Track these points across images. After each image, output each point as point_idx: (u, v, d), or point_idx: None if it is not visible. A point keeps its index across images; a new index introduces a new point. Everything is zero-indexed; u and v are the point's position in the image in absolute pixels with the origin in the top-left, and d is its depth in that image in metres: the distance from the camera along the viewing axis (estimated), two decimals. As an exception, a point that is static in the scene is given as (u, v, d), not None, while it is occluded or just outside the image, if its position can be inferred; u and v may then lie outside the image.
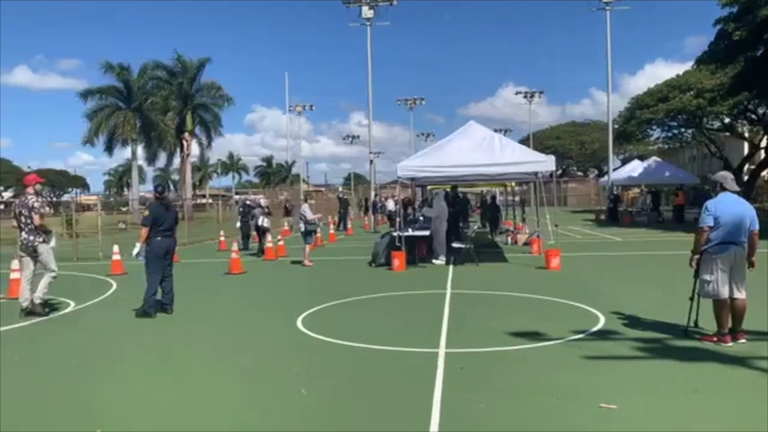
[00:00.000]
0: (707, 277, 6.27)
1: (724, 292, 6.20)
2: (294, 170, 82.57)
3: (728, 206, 6.22)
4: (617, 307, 8.15)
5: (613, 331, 6.96)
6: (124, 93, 42.17)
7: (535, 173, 15.35)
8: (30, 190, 8.91)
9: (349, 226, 27.62)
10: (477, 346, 6.47)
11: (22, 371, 6.09)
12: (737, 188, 6.44)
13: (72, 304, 9.79)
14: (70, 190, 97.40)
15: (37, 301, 8.83)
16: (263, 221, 16.98)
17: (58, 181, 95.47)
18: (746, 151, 44.00)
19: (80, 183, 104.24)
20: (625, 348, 6.24)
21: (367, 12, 31.07)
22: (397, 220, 13.77)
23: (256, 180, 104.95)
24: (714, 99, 31.96)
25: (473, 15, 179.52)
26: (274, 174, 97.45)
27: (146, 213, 9.10)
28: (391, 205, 23.18)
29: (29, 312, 8.74)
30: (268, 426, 4.46)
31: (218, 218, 34.81)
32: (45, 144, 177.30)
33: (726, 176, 6.46)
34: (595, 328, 7.16)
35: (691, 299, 6.63)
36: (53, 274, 8.93)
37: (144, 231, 8.86)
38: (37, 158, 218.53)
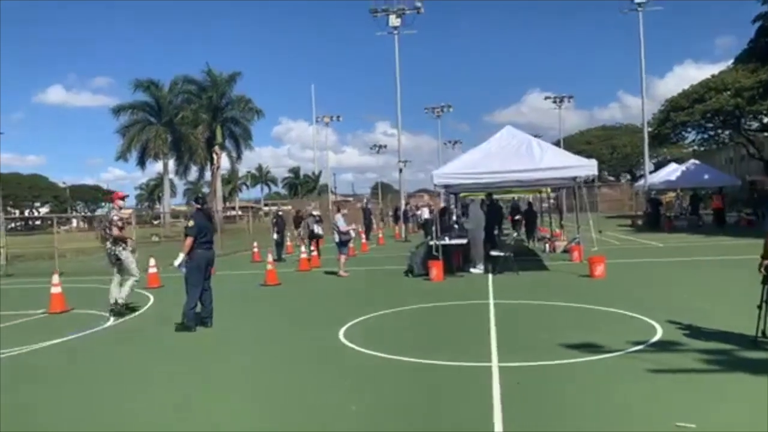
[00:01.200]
0: (778, 284, 5.89)
1: (797, 300, 5.81)
2: (321, 180, 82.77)
3: (800, 208, 5.83)
4: (673, 317, 7.75)
5: (674, 342, 6.59)
6: (155, 108, 42.83)
7: (574, 178, 14.99)
8: (114, 204, 10.28)
9: (371, 236, 27.33)
10: (531, 359, 6.16)
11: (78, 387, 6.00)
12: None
13: (112, 318, 9.74)
14: (103, 204, 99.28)
15: (121, 302, 9.88)
16: (318, 229, 17.34)
17: (93, 196, 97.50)
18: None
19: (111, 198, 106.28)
20: (690, 360, 5.87)
21: (394, 21, 30.98)
22: (434, 228, 13.46)
23: (284, 191, 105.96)
24: (753, 98, 31.00)
25: (496, 21, 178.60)
26: (301, 185, 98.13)
27: (190, 223, 8.95)
28: (426, 213, 22.84)
29: (117, 312, 9.79)
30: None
31: (249, 229, 35.01)
32: (78, 160, 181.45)
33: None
34: (653, 339, 6.80)
35: (759, 307, 6.25)
36: (135, 278, 10.00)
37: (189, 241, 8.73)
38: (71, 174, 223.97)
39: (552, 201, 26.24)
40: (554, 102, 55.86)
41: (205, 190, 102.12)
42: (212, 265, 9.10)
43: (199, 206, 9.45)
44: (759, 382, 5.17)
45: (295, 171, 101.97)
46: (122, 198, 10.48)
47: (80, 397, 5.68)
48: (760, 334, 6.28)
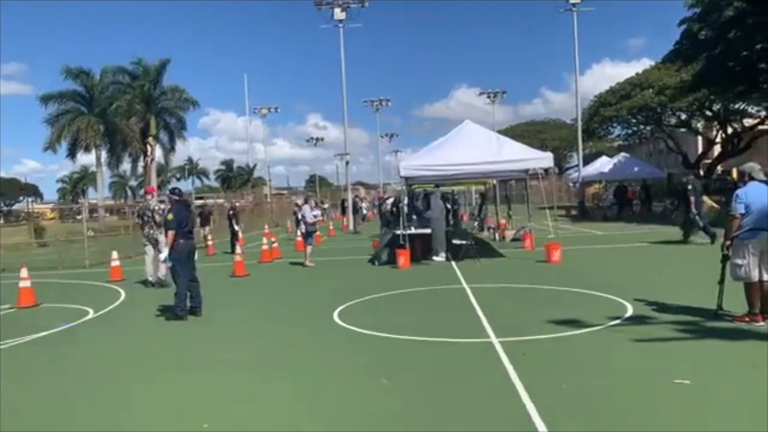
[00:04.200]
0: (739, 261, 6.70)
1: (755, 276, 6.64)
2: (256, 173, 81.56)
3: (757, 195, 6.66)
4: (638, 295, 8.50)
5: (647, 317, 7.34)
6: (86, 98, 41.04)
7: (526, 170, 15.85)
8: (149, 197, 12.61)
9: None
10: (524, 334, 6.72)
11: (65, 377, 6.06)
12: (765, 178, 6.88)
13: (90, 311, 9.63)
14: (21, 198, 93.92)
15: (162, 276, 11.64)
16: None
17: (9, 189, 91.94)
18: (700, 145, 45.96)
19: (32, 191, 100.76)
20: (666, 331, 6.60)
21: (339, 14, 31.11)
22: (401, 218, 13.93)
23: (216, 184, 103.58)
24: (675, 96, 33.26)
25: (425, 18, 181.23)
26: (235, 178, 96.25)
27: (170, 217, 9.01)
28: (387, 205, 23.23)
29: (161, 285, 11.49)
30: (367, 413, 4.60)
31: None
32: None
33: (754, 167, 6.90)
34: (627, 315, 7.52)
35: (720, 283, 7.06)
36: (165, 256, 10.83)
37: (171, 234, 8.81)
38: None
39: (488, 194, 27.29)
40: (488, 97, 57.53)
41: (132, 183, 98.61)
42: (194, 255, 9.18)
43: (176, 198, 9.50)
44: (731, 346, 5.96)
45: (228, 163, 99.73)
46: (153, 192, 13.25)
47: (88, 389, 5.77)
48: (718, 308, 7.10)
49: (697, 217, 15.12)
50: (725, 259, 6.97)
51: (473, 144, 13.73)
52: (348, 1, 30.83)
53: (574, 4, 30.15)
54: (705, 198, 15.75)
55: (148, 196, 12.64)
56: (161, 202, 12.24)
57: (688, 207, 15.23)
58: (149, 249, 12.07)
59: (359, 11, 31.40)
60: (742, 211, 6.64)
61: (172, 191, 10.01)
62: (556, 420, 4.23)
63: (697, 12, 23.80)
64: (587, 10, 30.76)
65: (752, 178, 6.78)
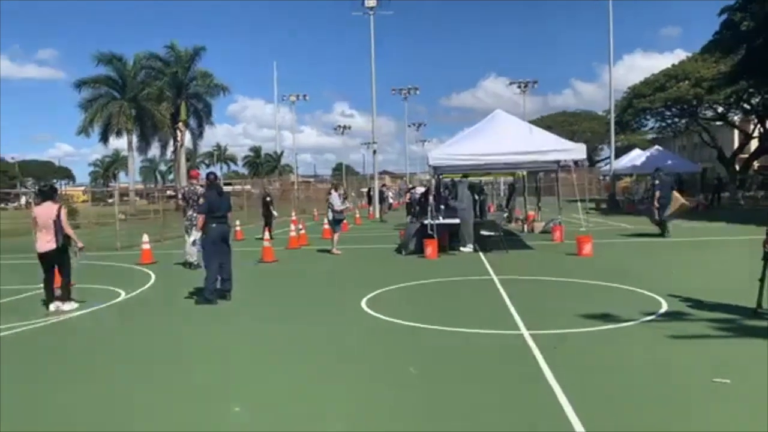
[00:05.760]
0: (782, 259, 6.48)
1: (798, 274, 6.42)
2: (283, 161, 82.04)
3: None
4: (671, 291, 8.32)
5: (682, 313, 7.16)
6: (118, 83, 41.63)
7: (558, 162, 15.60)
8: (194, 181, 12.89)
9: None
10: (556, 327, 6.61)
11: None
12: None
13: (122, 293, 9.78)
14: (55, 181, 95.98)
15: (193, 260, 12.00)
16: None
17: (43, 172, 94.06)
18: (736, 140, 44.81)
19: (65, 174, 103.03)
20: (702, 328, 6.43)
21: (370, 1, 30.95)
22: (429, 208, 13.84)
23: (244, 171, 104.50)
24: (712, 88, 32.42)
25: (455, 7, 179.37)
26: (262, 165, 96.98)
27: (201, 201, 9.13)
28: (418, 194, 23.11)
29: (196, 266, 11.67)
30: (395, 402, 4.57)
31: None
32: (24, 135, 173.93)
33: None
34: (661, 311, 7.34)
35: (761, 281, 6.85)
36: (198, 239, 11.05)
37: (201, 219, 8.89)
38: (16, 150, 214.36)
39: (517, 185, 26.97)
40: (519, 87, 56.74)
41: (162, 167, 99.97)
42: (227, 239, 9.23)
43: (210, 181, 9.56)
44: (770, 345, 5.76)
45: (256, 150, 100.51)
46: (198, 176, 13.34)
47: (118, 370, 5.84)
48: (758, 307, 6.90)
49: (657, 210, 16.01)
50: (767, 257, 6.75)
51: (504, 133, 13.54)
52: (379, -12, 30.62)
53: (609, -7, 29.47)
54: (676, 194, 16.18)
55: (193, 180, 12.89)
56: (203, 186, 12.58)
57: (658, 200, 15.96)
58: (192, 230, 12.18)
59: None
60: (787, 207, 6.42)
61: (207, 175, 10.09)
62: (591, 416, 4.14)
63: (739, 1, 23.07)
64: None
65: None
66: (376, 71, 31.90)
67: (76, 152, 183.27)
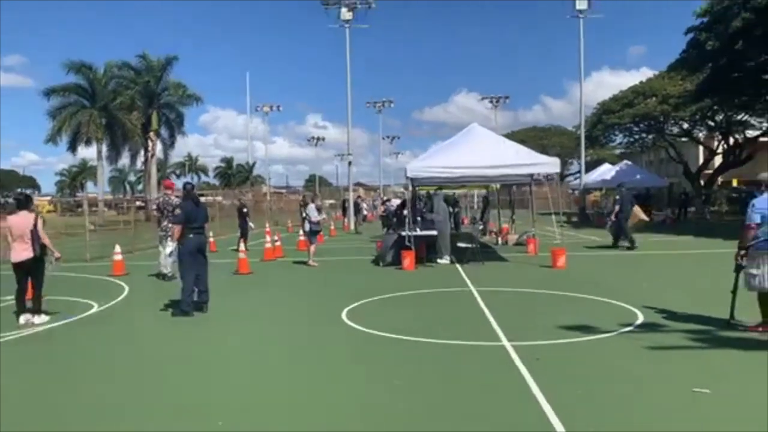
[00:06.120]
0: (754, 271, 6.66)
1: (770, 285, 6.60)
2: (255, 171, 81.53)
3: (774, 204, 6.63)
4: (645, 302, 8.49)
5: (658, 324, 7.29)
6: (88, 91, 40.91)
7: (531, 175, 15.84)
8: (168, 191, 12.72)
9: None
10: (536, 339, 6.67)
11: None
12: (782, 188, 6.85)
13: (95, 305, 9.55)
14: (20, 190, 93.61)
15: (167, 271, 11.93)
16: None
17: (7, 181, 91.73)
18: (701, 155, 46.03)
19: (30, 183, 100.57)
20: (679, 339, 6.56)
21: (345, 14, 31.10)
22: (406, 220, 13.88)
23: (215, 181, 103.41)
24: (678, 105, 33.31)
25: (428, 23, 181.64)
26: (234, 176, 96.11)
27: (177, 212, 9.03)
28: (394, 206, 23.16)
29: (169, 278, 11.72)
30: (382, 415, 4.55)
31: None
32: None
33: (771, 176, 6.88)
34: (638, 322, 7.47)
35: (733, 292, 7.02)
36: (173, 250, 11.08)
37: (177, 229, 8.77)
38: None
39: (491, 197, 27.22)
40: (491, 102, 57.52)
41: (131, 178, 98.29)
42: (204, 251, 9.12)
43: (187, 192, 9.47)
44: (747, 356, 5.91)
45: (228, 161, 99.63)
46: (173, 186, 13.17)
47: (92, 385, 5.71)
48: (731, 317, 7.06)
49: (617, 224, 17.00)
50: (739, 268, 6.93)
51: (480, 147, 13.69)
52: (355, 1, 30.78)
53: (580, 11, 30.12)
54: (637, 210, 17.34)
55: (168, 191, 12.78)
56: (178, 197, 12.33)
57: (616, 215, 17.00)
58: (168, 241, 12.00)
59: (366, 12, 31.37)
60: (758, 221, 6.60)
61: (185, 186, 9.97)
62: (577, 425, 4.18)
63: (704, 21, 23.82)
64: (595, 17, 30.72)
65: (769, 188, 6.75)
66: (341, 84, 32.02)
67: (42, 161, 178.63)
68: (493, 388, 5.11)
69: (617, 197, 17.44)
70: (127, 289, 11.29)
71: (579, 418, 4.35)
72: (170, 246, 9.02)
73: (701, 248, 17.17)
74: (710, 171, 41.77)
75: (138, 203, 37.97)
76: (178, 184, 13.10)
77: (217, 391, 5.19)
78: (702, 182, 40.58)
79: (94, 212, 38.23)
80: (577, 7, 29.90)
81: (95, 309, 9.30)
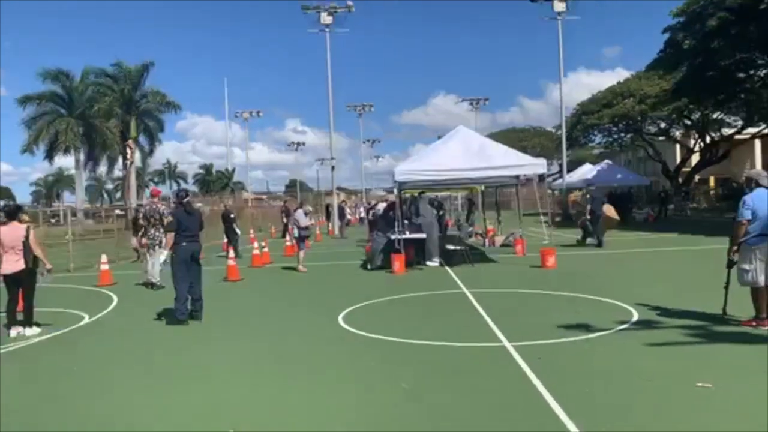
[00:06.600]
0: (746, 267, 6.79)
1: (762, 281, 6.72)
2: (235, 178, 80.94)
3: (764, 201, 6.75)
4: (637, 299, 8.59)
5: (653, 321, 7.39)
6: (65, 99, 40.34)
7: (517, 176, 15.98)
8: (155, 200, 12.67)
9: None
10: (536, 339, 6.71)
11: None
12: (772, 184, 6.98)
13: (86, 316, 9.40)
14: (8, 201, 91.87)
15: (155, 279, 11.83)
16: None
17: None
18: (678, 154, 46.85)
19: (5, 194, 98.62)
20: (676, 335, 6.65)
21: (325, 18, 31.07)
22: (396, 223, 13.89)
23: (194, 188, 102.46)
24: (655, 104, 33.84)
25: (405, 26, 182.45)
26: (213, 182, 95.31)
27: (169, 219, 8.94)
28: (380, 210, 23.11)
29: (158, 287, 11.61)
30: (390, 419, 4.55)
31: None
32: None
33: (761, 173, 7.01)
34: (634, 319, 7.56)
35: (725, 288, 7.16)
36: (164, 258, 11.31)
37: (169, 237, 8.70)
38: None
39: (475, 199, 27.40)
40: (470, 104, 57.80)
41: (109, 186, 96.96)
42: (198, 258, 9.02)
43: (179, 200, 9.37)
44: (744, 350, 6.01)
45: (207, 168, 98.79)
46: (159, 194, 13.47)
47: (90, 397, 5.63)
48: (724, 312, 7.20)
49: (588, 223, 17.83)
50: (731, 264, 7.05)
51: (468, 149, 13.76)
52: (335, 6, 30.78)
53: (558, 13, 30.46)
54: (608, 209, 17.80)
55: (155, 199, 12.76)
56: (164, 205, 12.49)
57: (588, 213, 17.83)
58: (157, 249, 11.99)
59: (346, 16, 31.37)
60: (749, 217, 6.73)
61: (177, 194, 9.88)
62: (587, 423, 4.22)
63: (681, 21, 24.25)
64: (572, 18, 31.08)
65: (759, 185, 6.86)
66: (320, 88, 31.96)
67: (16, 171, 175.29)
68: (501, 389, 5.13)
69: (588, 197, 18.26)
70: (116, 299, 11.13)
71: (588, 415, 4.39)
72: (163, 254, 8.92)
73: (686, 245, 17.45)
74: (688, 169, 42.50)
75: (117, 212, 37.50)
76: (175, 191, 13.13)
77: (224, 400, 5.14)
78: (680, 180, 41.27)
79: (74, 222, 37.63)
80: (556, 9, 30.22)
81: (86, 320, 9.16)
